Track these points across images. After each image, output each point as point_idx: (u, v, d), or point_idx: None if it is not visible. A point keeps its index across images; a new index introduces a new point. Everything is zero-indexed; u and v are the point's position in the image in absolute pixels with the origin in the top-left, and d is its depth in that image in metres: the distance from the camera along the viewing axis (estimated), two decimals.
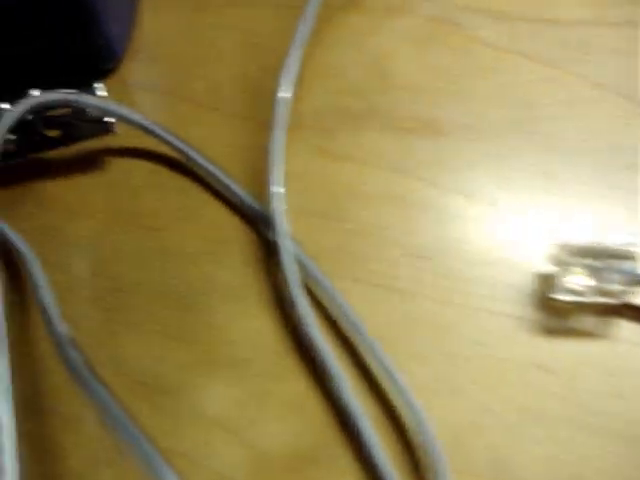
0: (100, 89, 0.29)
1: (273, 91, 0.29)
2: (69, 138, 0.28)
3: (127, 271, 0.27)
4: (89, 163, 0.29)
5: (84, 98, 0.27)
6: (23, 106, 0.26)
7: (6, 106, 0.27)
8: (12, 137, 0.27)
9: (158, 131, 0.28)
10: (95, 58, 0.31)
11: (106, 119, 0.28)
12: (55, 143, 0.28)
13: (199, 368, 0.25)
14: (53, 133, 0.28)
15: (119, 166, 0.29)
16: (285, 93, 0.28)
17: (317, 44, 0.31)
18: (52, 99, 0.27)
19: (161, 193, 0.28)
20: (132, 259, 0.27)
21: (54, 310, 0.23)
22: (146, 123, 0.28)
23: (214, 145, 0.29)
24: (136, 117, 0.28)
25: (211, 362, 0.25)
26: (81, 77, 0.30)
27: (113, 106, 0.28)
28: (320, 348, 0.24)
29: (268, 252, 0.27)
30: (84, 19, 0.29)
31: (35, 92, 0.27)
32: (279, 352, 0.25)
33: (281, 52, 0.31)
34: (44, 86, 0.28)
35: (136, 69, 0.32)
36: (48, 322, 0.23)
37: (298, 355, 0.25)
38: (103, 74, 0.31)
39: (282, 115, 0.27)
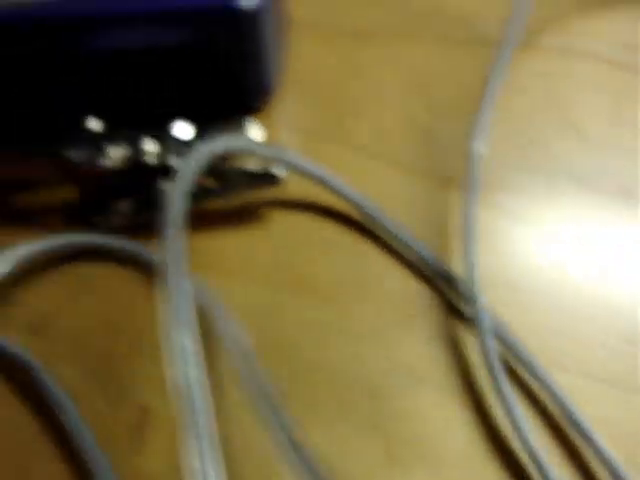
0: (253, 127, 0.26)
1: (445, 140, 0.26)
2: (228, 189, 0.25)
3: (298, 346, 0.23)
4: (249, 216, 0.26)
5: (262, 148, 0.24)
6: (200, 157, 0.23)
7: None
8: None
9: (335, 184, 0.25)
10: (248, 94, 0.28)
11: (274, 171, 0.25)
12: (211, 194, 0.25)
13: (386, 466, 0.21)
14: (209, 183, 0.25)
15: (284, 221, 0.26)
16: (479, 148, 0.24)
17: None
18: (231, 147, 0.24)
19: (334, 254, 0.25)
20: (303, 332, 0.24)
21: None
22: (324, 175, 0.25)
23: (382, 198, 0.26)
24: (315, 170, 0.25)
25: (396, 458, 0.21)
26: (225, 112, 0.27)
27: (291, 156, 0.24)
28: (531, 448, 0.20)
29: (458, 325, 0.23)
30: (251, 54, 0.26)
31: (183, 128, 0.24)
32: (477, 450, 0.21)
33: (451, 94, 0.28)
34: (183, 117, 0.26)
35: (286, 107, 0.28)
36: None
37: (499, 454, 0.21)
38: (249, 111, 0.28)
39: (477, 174, 0.24)
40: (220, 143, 0.23)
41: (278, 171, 0.25)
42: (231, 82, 0.27)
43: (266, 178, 0.25)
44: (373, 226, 0.25)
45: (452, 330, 0.23)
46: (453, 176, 0.26)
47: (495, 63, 0.25)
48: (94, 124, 0.25)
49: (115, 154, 0.24)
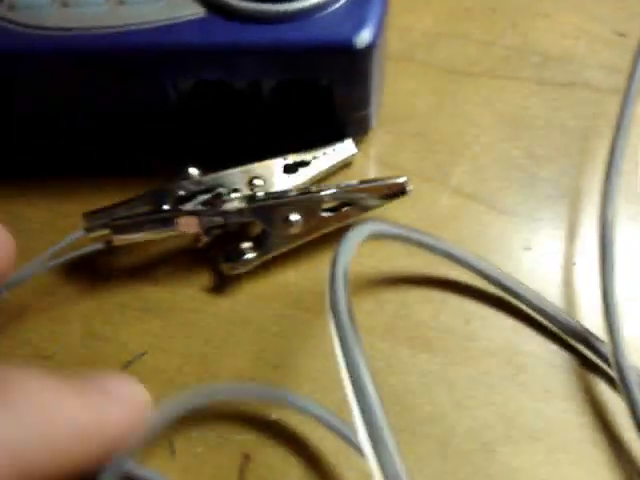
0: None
1: (548, 188, 0.25)
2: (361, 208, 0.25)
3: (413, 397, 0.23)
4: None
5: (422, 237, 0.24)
6: (352, 244, 0.22)
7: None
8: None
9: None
10: (348, 128, 0.27)
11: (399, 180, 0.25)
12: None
13: None
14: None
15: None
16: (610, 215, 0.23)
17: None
18: (383, 232, 0.23)
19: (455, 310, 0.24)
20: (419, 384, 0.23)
21: None
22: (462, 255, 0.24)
23: (480, 241, 0.25)
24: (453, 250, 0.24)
25: None
26: (320, 145, 0.27)
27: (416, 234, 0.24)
28: None
29: (597, 384, 0.23)
30: (358, 89, 0.25)
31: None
32: None
33: (553, 139, 0.27)
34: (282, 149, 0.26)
35: (381, 142, 0.28)
36: None
37: None
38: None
39: (610, 239, 0.23)
40: (374, 227, 0.23)
41: (402, 180, 0.25)
42: (334, 115, 0.26)
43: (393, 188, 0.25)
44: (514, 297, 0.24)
45: (588, 389, 0.23)
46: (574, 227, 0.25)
47: (621, 115, 0.24)
48: (194, 171, 0.25)
49: (232, 199, 0.24)
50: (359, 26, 0.24)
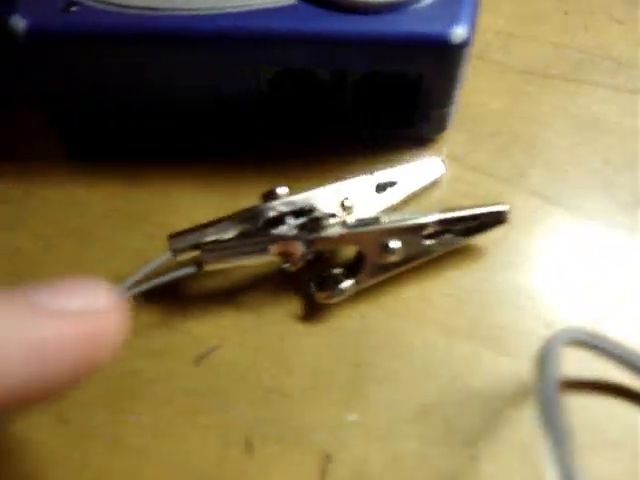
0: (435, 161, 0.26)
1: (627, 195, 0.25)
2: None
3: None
4: None
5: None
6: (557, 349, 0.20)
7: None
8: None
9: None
10: (429, 124, 0.27)
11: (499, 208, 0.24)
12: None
13: None
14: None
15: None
16: None
17: None
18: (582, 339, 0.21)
19: None
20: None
21: None
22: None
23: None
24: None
25: None
26: (399, 141, 0.27)
27: None
28: None
29: None
30: (446, 85, 0.25)
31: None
32: None
33: (630, 146, 0.27)
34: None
35: (456, 142, 0.27)
36: None
37: None
38: (421, 142, 0.27)
39: None
40: (576, 334, 0.21)
41: (503, 208, 0.24)
42: (415, 112, 0.26)
43: (493, 216, 0.24)
44: None
45: None
46: None
47: None
48: (283, 190, 0.24)
49: (332, 224, 0.23)
50: (455, 21, 0.23)
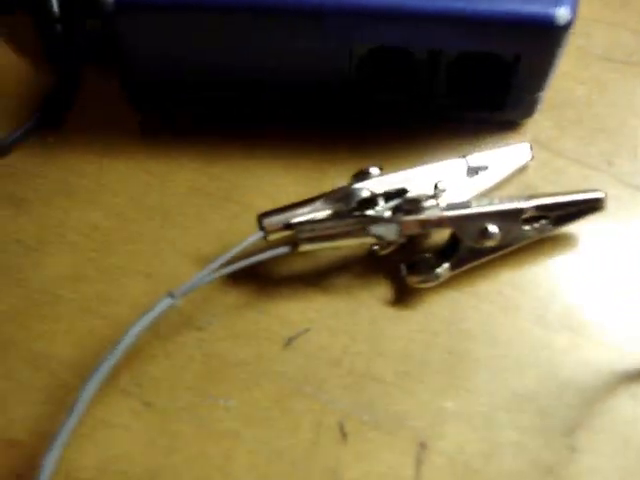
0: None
1: None
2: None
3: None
4: None
5: None
6: None
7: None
8: None
9: None
10: (519, 107, 0.26)
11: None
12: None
13: None
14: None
15: None
16: None
17: None
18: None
19: None
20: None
21: None
22: None
23: None
24: None
25: None
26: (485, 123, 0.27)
27: None
28: None
29: None
30: (544, 67, 0.24)
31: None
32: None
33: None
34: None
35: (541, 127, 0.27)
36: None
37: None
38: (507, 125, 0.27)
39: None
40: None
41: (599, 195, 0.24)
42: (507, 94, 0.25)
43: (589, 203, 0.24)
44: None
45: None
46: None
47: None
48: (375, 170, 0.23)
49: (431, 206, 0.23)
50: (559, 2, 0.22)
